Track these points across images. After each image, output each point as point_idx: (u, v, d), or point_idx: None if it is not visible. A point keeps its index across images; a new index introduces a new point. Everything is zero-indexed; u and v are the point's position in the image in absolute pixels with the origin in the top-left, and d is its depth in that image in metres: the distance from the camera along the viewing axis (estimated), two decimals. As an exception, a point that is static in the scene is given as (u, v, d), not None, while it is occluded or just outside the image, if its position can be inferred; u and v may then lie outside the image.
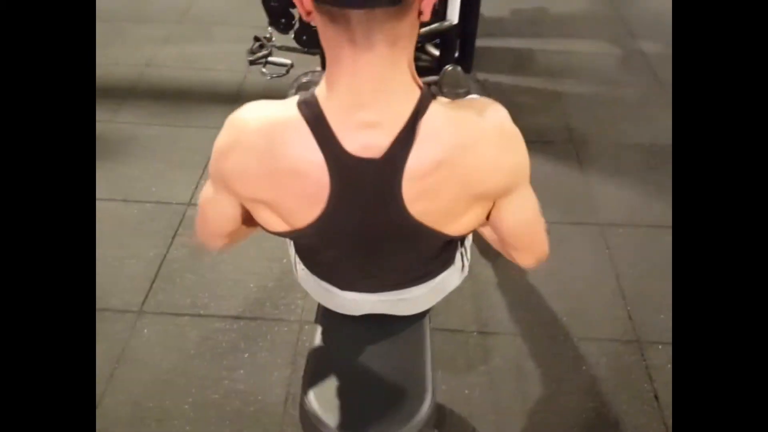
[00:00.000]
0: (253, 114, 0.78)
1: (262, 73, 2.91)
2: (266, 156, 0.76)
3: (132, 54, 3.03)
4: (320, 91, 0.75)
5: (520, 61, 3.06)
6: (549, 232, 0.93)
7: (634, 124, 2.63)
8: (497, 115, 0.79)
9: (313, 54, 2.51)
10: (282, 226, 0.85)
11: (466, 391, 1.62)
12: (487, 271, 1.94)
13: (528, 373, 1.67)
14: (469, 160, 0.75)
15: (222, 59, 2.98)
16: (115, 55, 3.00)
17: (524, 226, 0.89)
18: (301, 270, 1.12)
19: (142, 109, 2.64)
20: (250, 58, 2.97)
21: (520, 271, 1.95)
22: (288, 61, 2.97)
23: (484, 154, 0.76)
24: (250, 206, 0.86)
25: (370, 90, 0.72)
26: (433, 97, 0.75)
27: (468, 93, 1.66)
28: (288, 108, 0.76)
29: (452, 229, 0.84)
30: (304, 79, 1.89)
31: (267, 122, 0.76)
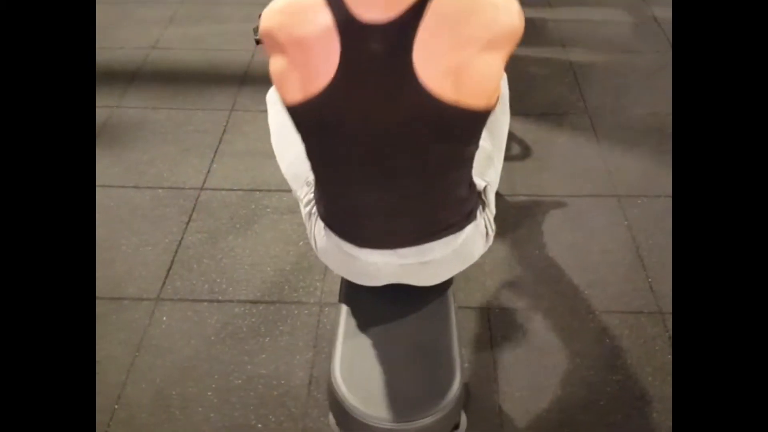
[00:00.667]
0: None
1: (269, 52, 2.86)
2: (287, 20, 0.85)
3: (137, 36, 2.98)
4: None
5: (532, 31, 2.99)
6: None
7: (650, 93, 2.58)
8: None
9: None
10: (297, 94, 0.88)
11: (490, 368, 1.61)
12: (505, 247, 1.92)
13: (551, 348, 1.66)
14: (476, 5, 0.80)
15: (229, 39, 2.93)
16: (120, 38, 2.96)
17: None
18: (320, 239, 1.11)
19: (149, 92, 2.61)
20: (257, 37, 2.91)
21: (539, 246, 1.93)
22: (294, 39, 2.92)
23: (499, 23, 0.81)
24: (281, 66, 0.90)
25: None
26: None
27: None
28: None
29: (468, 94, 0.84)
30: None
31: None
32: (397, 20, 0.79)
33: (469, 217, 1.07)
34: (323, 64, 0.83)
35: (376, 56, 0.81)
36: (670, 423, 1.50)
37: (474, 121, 0.89)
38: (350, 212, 1.04)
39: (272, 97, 1.40)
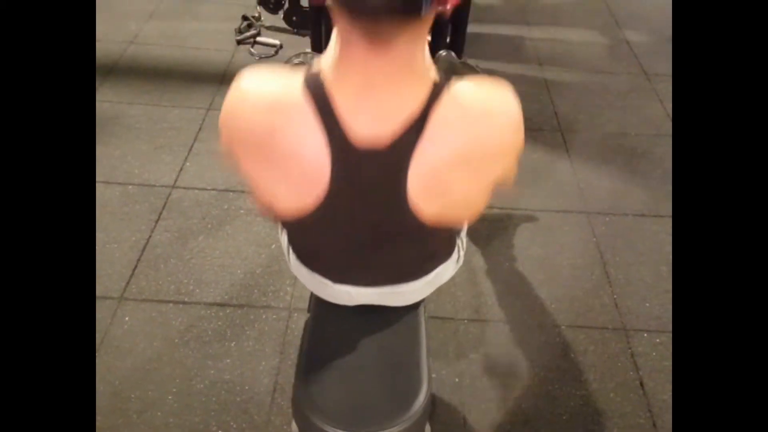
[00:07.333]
0: (256, 85, 0.75)
1: (250, 53, 2.84)
2: (265, 136, 0.73)
3: (116, 30, 2.93)
4: (326, 72, 0.71)
5: (509, 49, 3.04)
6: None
7: (621, 113, 2.64)
8: (508, 100, 0.77)
9: (303, 35, 2.45)
10: (289, 206, 0.82)
11: (456, 379, 1.61)
12: (476, 258, 1.93)
13: (517, 360, 1.68)
14: (484, 152, 0.74)
15: (209, 38, 2.90)
16: (98, 31, 2.89)
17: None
18: (294, 259, 1.09)
19: (124, 87, 2.56)
20: (238, 38, 2.89)
21: (510, 259, 1.95)
22: (277, 42, 2.91)
23: (497, 144, 0.75)
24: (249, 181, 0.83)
25: (383, 77, 0.69)
26: (447, 80, 0.72)
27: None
28: (293, 85, 0.72)
29: (453, 215, 0.83)
30: (296, 61, 1.84)
31: (269, 98, 0.73)
32: (397, 140, 0.71)
33: (447, 257, 1.06)
34: (311, 187, 0.75)
35: (370, 180, 0.74)
36: (629, 438, 1.53)
37: (452, 229, 0.90)
38: (323, 262, 1.02)
39: None
